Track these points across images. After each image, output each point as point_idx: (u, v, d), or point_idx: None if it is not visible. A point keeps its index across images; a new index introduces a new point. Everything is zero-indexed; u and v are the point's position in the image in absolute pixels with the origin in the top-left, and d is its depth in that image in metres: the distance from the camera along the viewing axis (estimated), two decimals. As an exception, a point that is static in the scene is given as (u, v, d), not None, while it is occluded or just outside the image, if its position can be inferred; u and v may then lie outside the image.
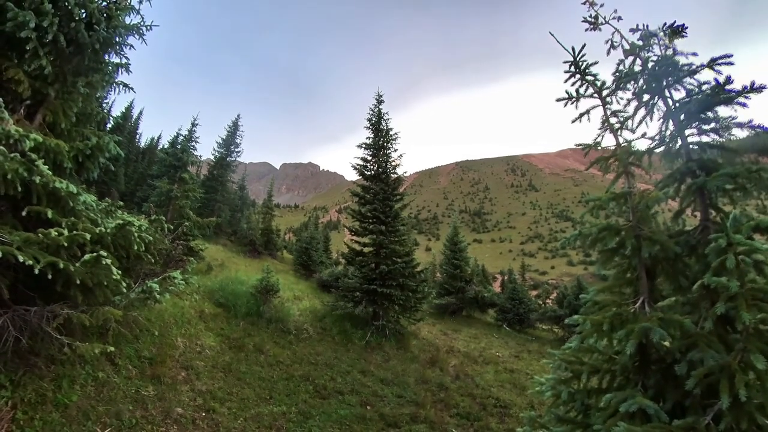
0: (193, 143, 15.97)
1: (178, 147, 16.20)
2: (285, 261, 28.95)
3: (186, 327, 7.64)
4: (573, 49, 3.93)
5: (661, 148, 3.50)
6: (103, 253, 4.57)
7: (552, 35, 4.09)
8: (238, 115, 30.87)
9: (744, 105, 2.88)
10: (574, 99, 4.10)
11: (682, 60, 3.21)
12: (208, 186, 26.97)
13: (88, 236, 4.55)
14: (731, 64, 2.91)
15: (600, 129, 3.96)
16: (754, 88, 2.78)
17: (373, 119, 13.40)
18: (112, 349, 4.60)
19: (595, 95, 3.93)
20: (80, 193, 5.16)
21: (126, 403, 4.75)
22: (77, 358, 4.88)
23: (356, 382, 7.57)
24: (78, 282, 4.31)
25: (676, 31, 3.26)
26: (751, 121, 2.86)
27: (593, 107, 4.01)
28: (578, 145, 4.11)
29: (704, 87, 3.07)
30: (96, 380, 4.86)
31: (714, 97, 2.96)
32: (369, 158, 13.27)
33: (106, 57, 5.53)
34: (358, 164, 13.25)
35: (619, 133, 3.83)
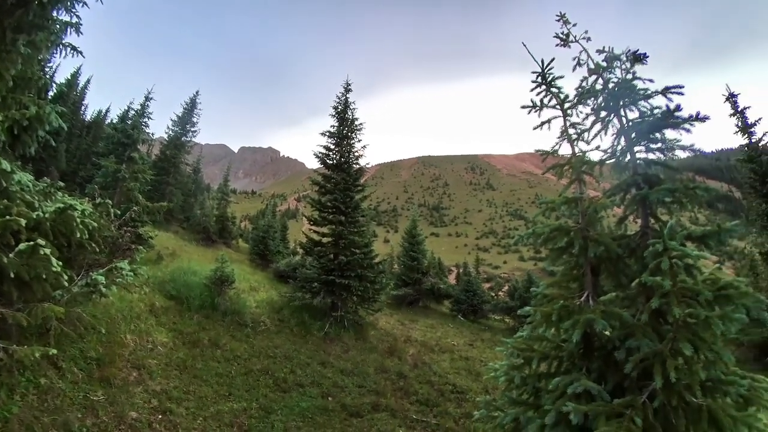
0: (146, 119, 14.75)
1: (129, 123, 14.92)
2: (240, 250, 28.04)
3: (135, 323, 7.34)
4: (542, 61, 4.33)
5: (612, 161, 4.02)
6: (41, 241, 4.27)
7: (524, 45, 4.47)
8: (197, 92, 28.97)
9: (688, 131, 3.43)
10: (537, 108, 4.51)
11: (639, 84, 3.71)
12: (159, 167, 25.07)
13: (23, 222, 4.24)
14: (681, 93, 3.45)
15: (558, 138, 4.41)
16: (698, 118, 3.33)
17: (339, 107, 13.33)
18: (55, 351, 4.32)
19: (558, 107, 4.36)
20: (14, 171, 4.77)
21: (74, 411, 4.50)
22: (15, 363, 4.44)
23: (316, 373, 7.75)
24: (12, 275, 4.00)
25: (638, 57, 3.74)
26: (692, 145, 3.43)
27: (554, 117, 4.45)
28: (537, 150, 4.56)
29: (656, 111, 3.59)
30: (38, 387, 4.54)
31: (663, 120, 3.49)
32: (332, 147, 13.23)
33: (54, 13, 4.95)
34: (320, 152, 13.17)
35: (575, 143, 4.29)
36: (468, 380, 8.69)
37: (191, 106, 28.43)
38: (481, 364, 9.99)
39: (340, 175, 12.80)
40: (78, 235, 5.37)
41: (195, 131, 28.45)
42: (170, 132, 27.69)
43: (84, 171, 22.91)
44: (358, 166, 13.25)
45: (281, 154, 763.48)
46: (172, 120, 27.91)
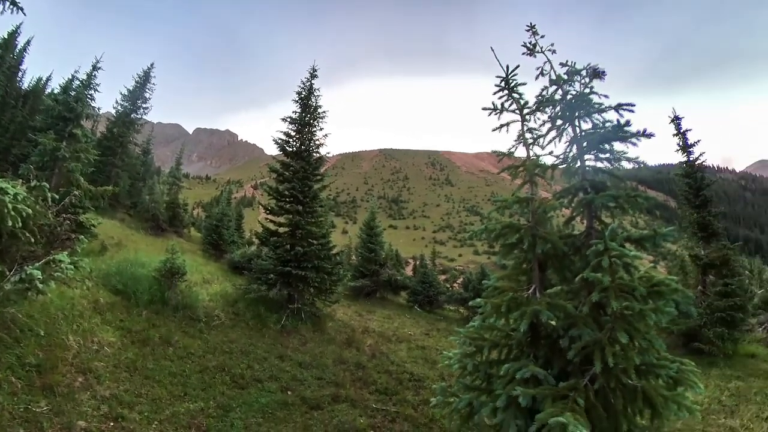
0: (92, 91, 13.24)
1: (72, 94, 13.28)
2: (193, 240, 26.64)
3: (78, 322, 6.86)
4: (507, 67, 4.62)
5: (563, 166, 4.42)
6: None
7: (492, 50, 4.77)
8: (152, 65, 26.42)
9: (635, 144, 3.88)
10: (498, 111, 4.81)
11: (595, 98, 4.11)
12: (105, 147, 22.88)
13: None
14: (632, 111, 3.88)
15: (515, 141, 4.75)
16: (644, 134, 3.78)
17: (303, 93, 13.00)
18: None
19: (517, 112, 4.69)
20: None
21: (15, 426, 4.14)
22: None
23: (274, 367, 7.69)
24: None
25: (597, 74, 4.14)
26: (637, 158, 3.92)
27: (513, 121, 4.78)
28: (494, 151, 4.89)
29: (608, 124, 4.00)
30: (-31, 404, 4.09)
31: (613, 133, 3.92)
32: (293, 134, 12.92)
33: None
34: (280, 138, 12.83)
35: (530, 147, 4.65)
36: (425, 368, 9.05)
37: (144, 80, 25.94)
38: (436, 352, 10.39)
39: (299, 163, 12.57)
40: (9, 223, 4.96)
41: (147, 108, 26.10)
42: (119, 107, 25.21)
43: (18, 148, 20.24)
44: (318, 155, 13.07)
45: (239, 138, 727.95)
46: (121, 94, 25.36)
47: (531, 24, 4.54)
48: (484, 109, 4.92)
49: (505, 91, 4.74)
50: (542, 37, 4.53)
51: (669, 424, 3.74)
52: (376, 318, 14.67)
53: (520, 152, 4.76)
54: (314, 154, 13.00)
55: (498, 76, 4.73)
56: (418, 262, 42.77)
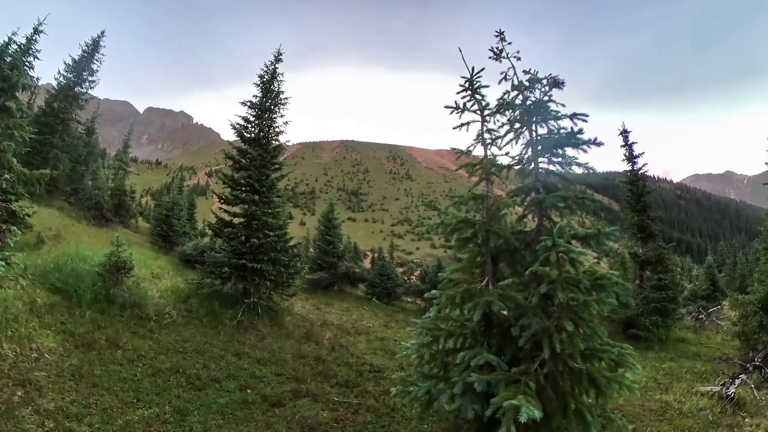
0: (31, 58, 11.71)
1: (7, 60, 11.63)
2: (140, 231, 24.90)
3: (13, 327, 6.31)
4: (473, 69, 4.88)
5: (518, 167, 4.79)
6: None
7: (460, 51, 5.01)
8: (102, 32, 23.27)
9: (585, 151, 4.31)
10: (460, 110, 5.06)
11: (552, 106, 4.46)
12: (43, 124, 20.45)
13: None
14: (585, 121, 4.28)
15: (474, 140, 5.04)
16: (595, 142, 4.21)
17: (266, 77, 12.51)
18: None
19: (478, 112, 4.96)
20: None
21: None
22: None
23: (232, 366, 7.54)
24: None
25: (557, 83, 4.50)
26: (587, 163, 4.33)
27: (474, 121, 5.05)
28: (454, 149, 5.15)
29: (562, 131, 4.38)
30: None
31: (567, 140, 4.32)
32: (252, 119, 12.42)
33: None
34: (238, 123, 12.30)
35: (489, 147, 4.95)
36: (384, 359, 9.30)
37: (93, 49, 23.01)
38: (395, 343, 10.65)
39: (257, 150, 12.17)
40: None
41: (94, 81, 23.26)
42: (61, 79, 22.24)
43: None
44: (277, 142, 12.71)
45: (194, 121, 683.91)
46: (65, 63, 22.30)
47: (500, 30, 4.82)
48: (447, 107, 5.13)
49: (469, 92, 4.99)
50: (509, 44, 4.83)
51: (612, 402, 4.19)
52: (334, 311, 14.78)
53: (479, 151, 5.01)
54: (273, 142, 12.62)
55: (463, 77, 4.98)
56: (376, 255, 43.33)
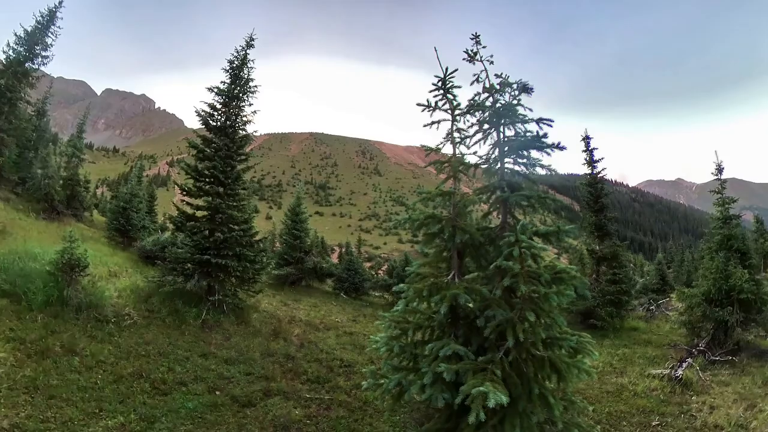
0: None
1: None
2: (96, 225, 23.47)
3: None
4: (446, 69, 5.08)
5: (485, 166, 5.05)
6: None
7: (435, 50, 5.26)
8: (60, 2, 20.65)
9: (549, 154, 4.61)
10: (431, 108, 5.23)
11: (521, 110, 4.74)
12: None
13: None
14: (551, 125, 4.60)
15: (444, 138, 5.24)
16: (558, 146, 4.54)
17: (236, 63, 12.07)
18: None
19: (449, 112, 5.16)
20: None
21: None
22: None
23: (198, 367, 7.34)
24: None
25: (526, 89, 4.77)
26: (550, 165, 4.67)
27: (444, 120, 5.23)
28: (423, 146, 5.34)
29: (528, 134, 4.67)
30: None
31: (532, 143, 4.61)
32: (218, 106, 11.97)
33: None
34: (204, 110, 11.79)
35: (457, 146, 5.16)
36: (354, 354, 9.45)
37: (48, 21, 20.46)
38: (364, 337, 10.86)
39: (223, 140, 11.78)
40: None
41: (47, 57, 20.70)
42: (10, 53, 19.77)
43: None
44: (245, 132, 12.35)
45: (156, 106, 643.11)
46: (16, 35, 19.82)
47: (476, 34, 5.01)
48: (419, 105, 5.28)
49: (441, 91, 5.16)
50: (484, 47, 5.02)
51: (572, 385, 4.52)
52: (302, 307, 14.80)
53: (448, 149, 5.20)
54: (240, 132, 12.24)
55: (437, 76, 5.14)
56: (343, 250, 43.27)
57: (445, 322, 4.65)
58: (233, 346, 8.80)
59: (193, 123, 12.79)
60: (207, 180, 11.60)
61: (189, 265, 10.80)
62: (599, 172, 16.68)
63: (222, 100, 12.03)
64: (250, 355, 8.37)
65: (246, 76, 12.25)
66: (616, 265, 15.32)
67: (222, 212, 11.27)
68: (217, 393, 6.52)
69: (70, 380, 5.95)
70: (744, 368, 9.33)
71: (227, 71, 12.11)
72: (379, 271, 28.92)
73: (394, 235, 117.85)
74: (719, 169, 12.29)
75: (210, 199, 11.32)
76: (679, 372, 8.59)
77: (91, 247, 11.70)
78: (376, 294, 22.20)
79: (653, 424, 6.68)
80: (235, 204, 11.71)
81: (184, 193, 11.69)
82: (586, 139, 16.36)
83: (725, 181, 12.42)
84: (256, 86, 12.37)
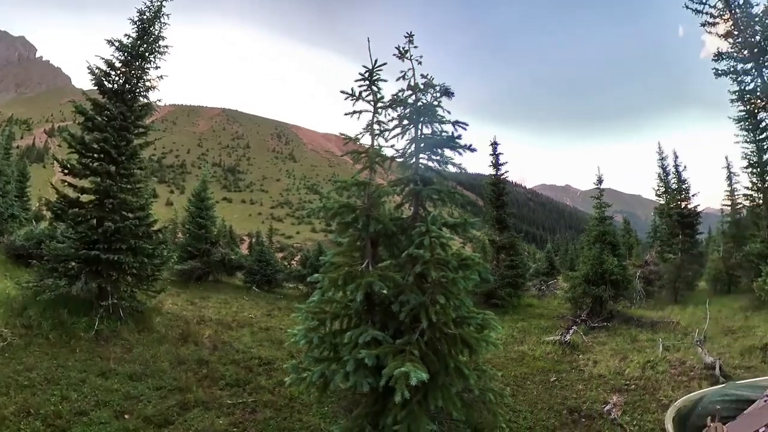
0: None
1: None
2: None
3: None
4: (375, 61, 5.32)
5: (401, 160, 5.46)
6: None
7: (368, 41, 5.49)
8: None
9: (461, 154, 5.13)
10: (354, 98, 5.42)
11: (440, 111, 5.20)
12: None
13: None
14: (465, 128, 5.18)
15: (364, 129, 5.47)
16: (469, 148, 5.09)
17: (147, 14, 10.54)
18: None
19: (371, 103, 5.41)
20: None
21: None
22: None
23: (99, 390, 6.32)
24: None
25: (447, 92, 5.21)
26: (461, 164, 5.22)
27: (365, 111, 5.45)
28: (342, 134, 5.54)
29: (444, 133, 5.16)
30: None
31: (447, 142, 5.11)
32: (118, 65, 10.30)
33: None
34: (99, 68, 10.07)
35: (376, 138, 5.45)
36: (272, 350, 9.32)
37: None
38: (281, 332, 10.78)
39: (119, 107, 10.15)
40: None
41: None
42: None
43: None
44: (146, 100, 10.82)
45: (38, 54, 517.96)
46: None
47: (410, 32, 5.37)
48: (343, 92, 5.41)
49: (367, 82, 5.35)
50: (416, 47, 5.35)
51: (482, 357, 5.14)
52: (211, 304, 14.18)
53: (366, 140, 5.47)
54: (141, 98, 10.72)
55: (365, 66, 5.34)
56: (254, 240, 41.64)
57: (361, 310, 4.85)
58: (137, 359, 7.91)
59: (83, 82, 11.00)
60: (96, 156, 9.98)
61: (73, 263, 9.42)
62: (502, 174, 19.73)
63: (123, 58, 10.39)
64: (158, 367, 7.55)
65: (157, 32, 10.77)
66: (513, 253, 18.66)
67: (113, 196, 9.83)
68: (126, 417, 5.74)
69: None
70: (616, 331, 12.26)
71: (134, 22, 10.55)
72: (292, 262, 28.58)
73: (308, 224, 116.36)
74: (599, 180, 16.27)
75: (99, 179, 9.79)
76: (568, 337, 10.66)
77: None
78: (290, 285, 22.07)
79: (551, 380, 8.26)
80: (129, 186, 10.33)
81: (67, 171, 10.00)
82: (494, 144, 19.26)
83: (603, 189, 16.24)
84: (167, 46, 10.91)
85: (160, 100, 11.40)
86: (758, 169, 19.87)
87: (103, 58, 10.05)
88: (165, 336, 9.51)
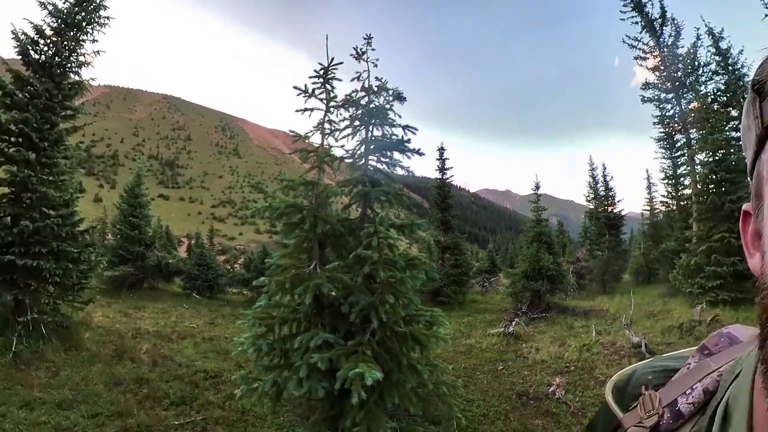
0: None
1: None
2: None
3: None
4: (332, 59, 5.34)
5: (350, 160, 5.57)
6: None
7: (326, 38, 5.50)
8: None
9: (409, 157, 5.43)
10: (307, 95, 5.38)
11: (391, 114, 5.39)
12: None
13: None
14: (414, 133, 5.39)
15: (314, 128, 5.45)
16: (417, 152, 5.37)
17: None
18: None
19: (324, 101, 5.41)
20: None
21: None
22: None
23: (23, 424, 5.41)
24: None
25: (399, 97, 5.42)
26: (408, 167, 5.52)
27: (317, 109, 5.43)
28: (292, 131, 5.48)
29: (393, 137, 5.36)
30: None
31: (396, 145, 5.32)
32: (49, 33, 8.98)
33: None
34: (25, 33, 8.73)
35: (326, 137, 5.45)
36: (218, 362, 8.84)
37: None
38: (227, 341, 10.32)
39: (44, 82, 8.87)
40: None
41: None
42: None
43: None
44: (78, 77, 9.53)
45: None
46: None
47: (368, 35, 5.48)
48: (296, 88, 5.34)
49: (321, 80, 5.35)
50: (373, 50, 5.47)
51: (432, 352, 5.35)
52: (147, 315, 13.28)
53: (316, 139, 5.44)
54: (71, 75, 9.42)
55: (320, 63, 5.34)
56: (193, 242, 39.59)
57: (310, 313, 4.81)
58: (66, 383, 6.93)
59: (5, 50, 9.43)
60: (13, 140, 8.64)
61: (-19, 273, 8.36)
62: (447, 178, 20.97)
63: (56, 25, 9.07)
64: (91, 390, 6.70)
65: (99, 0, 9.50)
66: (457, 252, 19.82)
67: (32, 190, 8.58)
68: (60, 452, 5.04)
69: None
70: (554, 320, 13.43)
71: (70, -14, 9.11)
72: (236, 265, 27.52)
73: (251, 225, 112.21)
74: (537, 186, 17.56)
75: (15, 168, 8.38)
76: (511, 329, 11.68)
77: None
78: (234, 291, 21.29)
79: (499, 369, 8.97)
80: (52, 179, 9.01)
81: (-26, 159, 8.52)
82: (441, 149, 20.55)
83: (540, 195, 17.67)
84: (108, 17, 9.62)
85: (93, 79, 9.92)
86: (673, 181, 25.64)
87: (31, 23, 8.77)
88: (96, 354, 8.44)
